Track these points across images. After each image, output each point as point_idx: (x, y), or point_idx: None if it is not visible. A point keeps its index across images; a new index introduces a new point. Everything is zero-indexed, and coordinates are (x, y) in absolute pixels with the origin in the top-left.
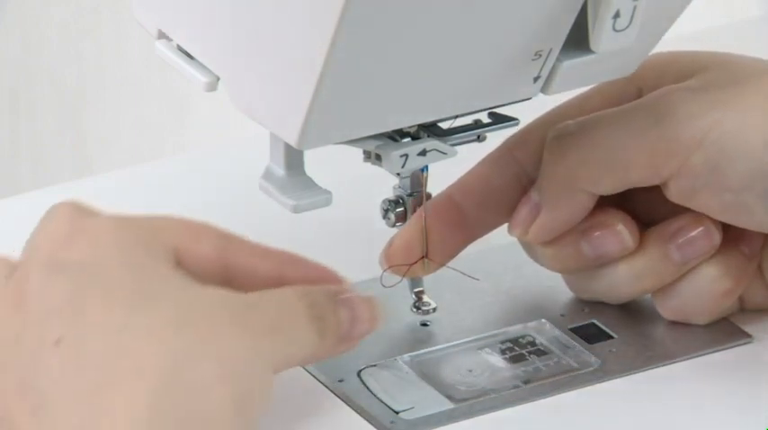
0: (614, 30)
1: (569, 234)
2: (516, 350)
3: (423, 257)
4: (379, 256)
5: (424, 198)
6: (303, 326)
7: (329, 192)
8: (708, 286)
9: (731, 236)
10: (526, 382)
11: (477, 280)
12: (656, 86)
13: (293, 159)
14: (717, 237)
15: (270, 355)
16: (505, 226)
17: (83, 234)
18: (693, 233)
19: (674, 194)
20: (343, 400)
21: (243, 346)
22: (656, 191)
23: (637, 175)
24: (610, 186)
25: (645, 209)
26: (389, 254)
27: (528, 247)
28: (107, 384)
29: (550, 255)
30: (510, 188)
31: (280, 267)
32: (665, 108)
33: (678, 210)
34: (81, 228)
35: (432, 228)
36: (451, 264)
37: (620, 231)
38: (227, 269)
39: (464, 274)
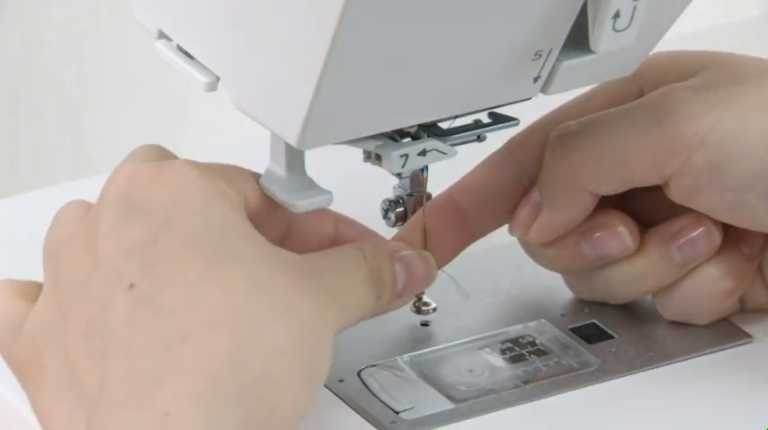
0: (614, 30)
1: (570, 235)
2: (516, 350)
3: None
4: None
5: (425, 198)
6: (364, 289)
7: (330, 192)
8: (708, 286)
9: (732, 236)
10: (526, 382)
11: (468, 297)
12: (658, 86)
13: (294, 159)
14: (717, 237)
15: (335, 321)
16: (506, 226)
17: (161, 177)
18: (694, 234)
19: (676, 194)
20: (343, 400)
21: (314, 314)
22: (656, 191)
23: (639, 175)
24: (612, 186)
25: (645, 210)
26: None
27: (528, 248)
28: (182, 336)
29: (551, 256)
30: (511, 189)
31: (335, 225)
32: (666, 107)
33: (679, 211)
34: (160, 169)
35: (432, 229)
36: (452, 263)
37: (621, 232)
38: (289, 221)
39: (457, 283)
